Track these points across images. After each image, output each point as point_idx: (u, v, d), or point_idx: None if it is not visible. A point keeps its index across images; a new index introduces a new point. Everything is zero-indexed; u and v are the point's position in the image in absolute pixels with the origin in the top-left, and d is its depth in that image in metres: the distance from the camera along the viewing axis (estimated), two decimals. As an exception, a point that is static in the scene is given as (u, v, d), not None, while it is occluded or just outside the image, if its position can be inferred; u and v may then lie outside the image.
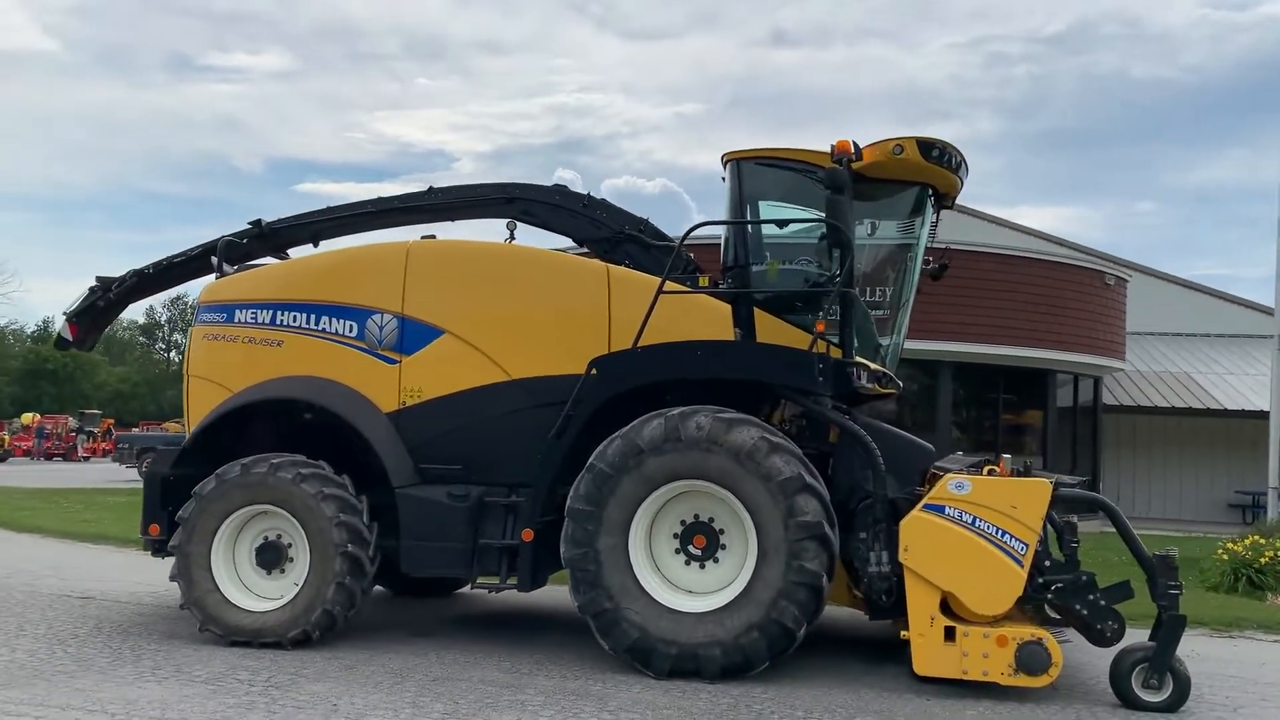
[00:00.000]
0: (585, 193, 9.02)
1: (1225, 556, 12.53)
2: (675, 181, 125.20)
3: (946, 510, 6.60)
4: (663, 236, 8.88)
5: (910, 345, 18.95)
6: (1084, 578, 6.54)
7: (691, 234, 8.22)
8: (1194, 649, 8.61)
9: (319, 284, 8.41)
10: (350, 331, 8.21)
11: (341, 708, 6.05)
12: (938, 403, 20.19)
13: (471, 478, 7.91)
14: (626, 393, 7.51)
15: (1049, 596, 6.57)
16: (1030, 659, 6.38)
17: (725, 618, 6.90)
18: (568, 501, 7.18)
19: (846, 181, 7.39)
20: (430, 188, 9.28)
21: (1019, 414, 21.81)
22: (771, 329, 7.91)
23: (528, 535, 7.51)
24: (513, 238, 8.64)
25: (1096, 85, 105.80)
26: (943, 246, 17.68)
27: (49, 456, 48.06)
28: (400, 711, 6.00)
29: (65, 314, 9.82)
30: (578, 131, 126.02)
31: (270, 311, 8.44)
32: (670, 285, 7.71)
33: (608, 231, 8.87)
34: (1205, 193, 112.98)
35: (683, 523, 7.31)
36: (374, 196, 9.46)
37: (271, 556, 7.83)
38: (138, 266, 9.73)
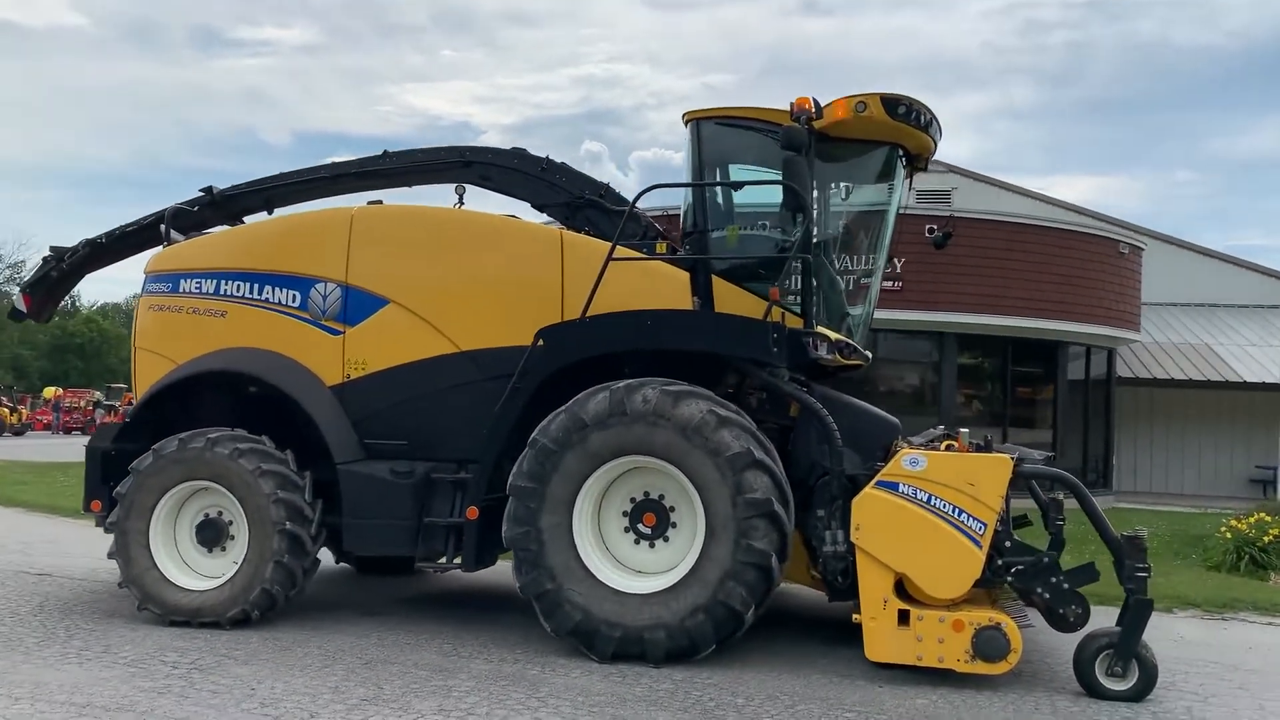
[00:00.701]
0: (544, 156, 8.64)
1: (1229, 535, 12.07)
2: None
3: (901, 487, 6.23)
4: (624, 202, 8.49)
5: (914, 316, 18.74)
6: (1045, 559, 6.16)
7: (644, 196, 7.85)
8: (1181, 632, 8.25)
9: (262, 252, 8.11)
10: (293, 302, 7.91)
11: (259, 692, 5.80)
12: (942, 376, 19.70)
13: (418, 453, 7.61)
14: (579, 365, 7.17)
15: (1009, 579, 6.19)
16: (988, 645, 6.02)
17: (671, 599, 6.59)
18: (510, 478, 6.86)
19: (805, 141, 6.97)
20: (385, 152, 8.93)
21: (1028, 387, 21.26)
22: (734, 298, 7.53)
23: (472, 513, 7.21)
24: (461, 202, 8.30)
25: (1136, 52, 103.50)
26: (947, 214, 17.26)
27: (68, 430, 48.39)
28: (319, 697, 5.73)
29: (19, 285, 9.57)
30: (605, 103, 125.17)
31: (214, 281, 8.16)
32: (622, 251, 7.36)
33: (567, 196, 8.49)
34: (1248, 161, 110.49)
35: (632, 500, 6.99)
36: (329, 161, 9.13)
37: (211, 534, 7.59)
38: (90, 236, 9.46)
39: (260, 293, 8.00)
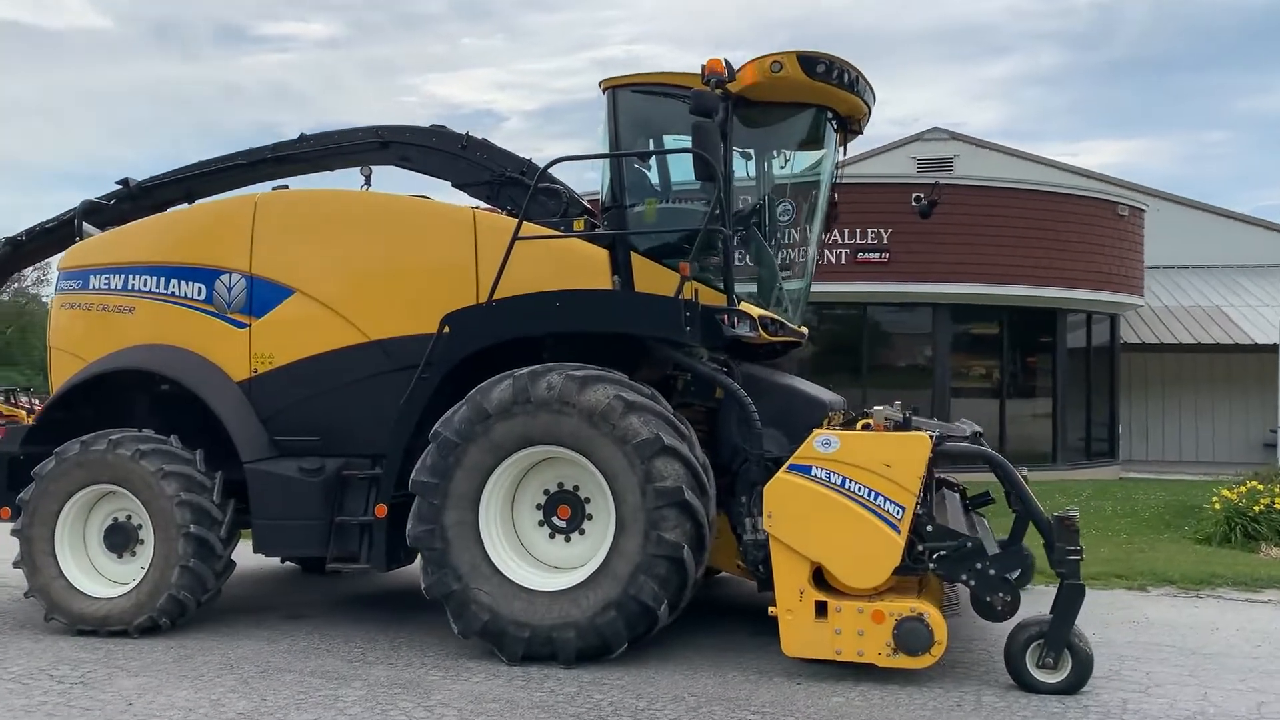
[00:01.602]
0: (463, 132, 8.26)
1: (1218, 505, 11.57)
2: None
3: (813, 471, 5.81)
4: (550, 179, 8.09)
5: (904, 288, 18.22)
6: (969, 544, 5.73)
7: (550, 170, 7.44)
8: (1148, 613, 7.83)
9: (168, 244, 7.78)
10: (199, 295, 7.59)
11: (135, 707, 5.51)
12: (936, 349, 19.19)
13: (331, 449, 7.28)
14: (496, 352, 6.80)
15: (931, 566, 5.77)
16: (909, 637, 5.62)
17: (581, 596, 6.23)
18: (413, 474, 6.52)
19: (716, 105, 6.55)
20: (302, 134, 8.57)
21: (1025, 357, 20.73)
22: (656, 276, 7.11)
23: (381, 511, 6.87)
24: (368, 184, 7.94)
25: (1165, 10, 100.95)
26: (932, 181, 16.76)
27: None
28: (194, 711, 5.43)
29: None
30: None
31: (122, 276, 7.85)
32: (532, 230, 6.98)
33: (488, 174, 8.10)
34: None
35: (546, 492, 6.64)
36: (246, 148, 8.77)
37: (120, 539, 7.30)
38: (11, 234, 9.19)
39: (167, 286, 7.68)
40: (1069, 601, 5.57)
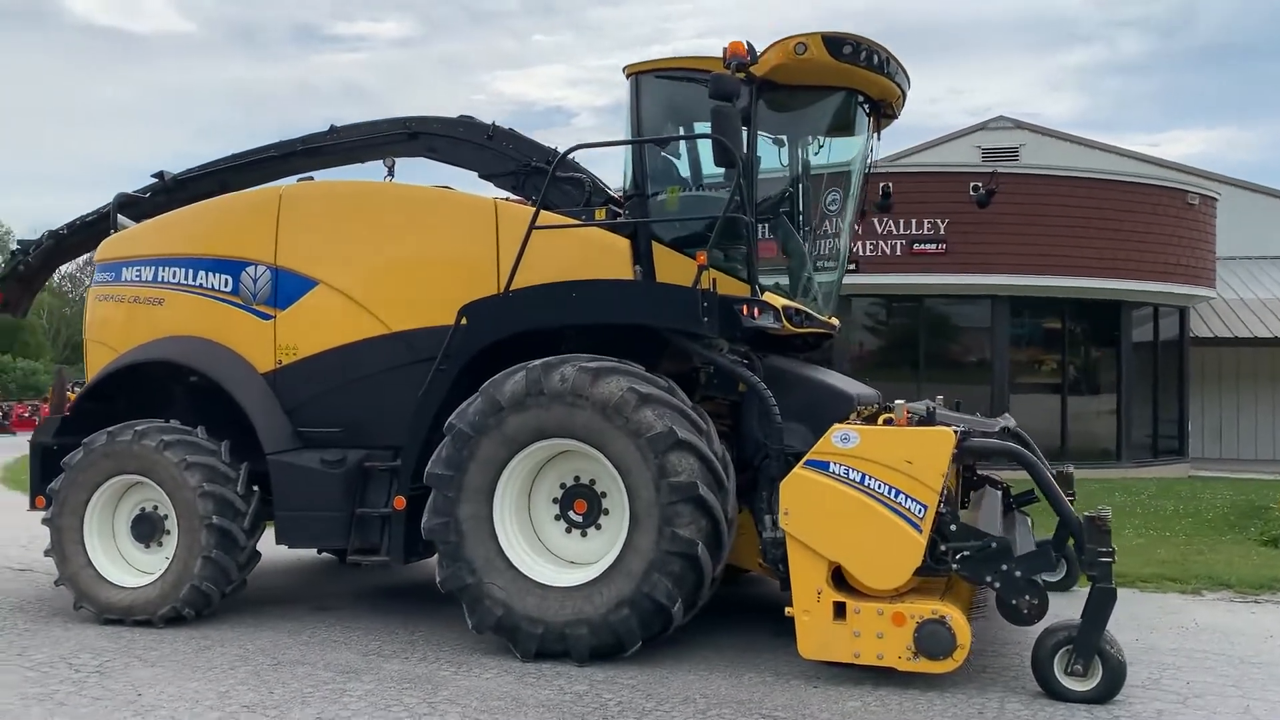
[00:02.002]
0: (490, 122, 8.17)
1: (1285, 505, 11.06)
2: None
3: (831, 467, 5.60)
4: (574, 167, 7.96)
5: (961, 280, 17.72)
6: (994, 544, 5.47)
7: (568, 157, 7.33)
8: (1198, 618, 7.46)
9: (196, 236, 7.82)
10: (226, 286, 7.61)
11: (144, 698, 5.50)
12: (995, 342, 18.66)
13: (353, 441, 7.25)
14: (516, 343, 6.70)
15: (954, 567, 5.52)
16: (930, 640, 5.38)
17: (595, 593, 6.09)
18: (428, 467, 6.44)
19: (736, 89, 6.36)
20: (332, 126, 8.56)
21: (1088, 352, 20.08)
22: (681, 266, 6.92)
23: (400, 503, 6.82)
24: (391, 175, 7.88)
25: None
26: (990, 170, 16.33)
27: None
28: (200, 703, 5.41)
29: (-4, 279, 9.50)
30: None
31: (152, 268, 7.91)
32: (550, 219, 6.86)
33: (514, 165, 8.00)
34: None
35: (562, 486, 6.52)
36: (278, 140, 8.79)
37: (147, 529, 7.35)
38: (54, 227, 9.32)
39: (195, 278, 7.72)
40: (1100, 605, 5.28)
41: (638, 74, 7.25)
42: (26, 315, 10.52)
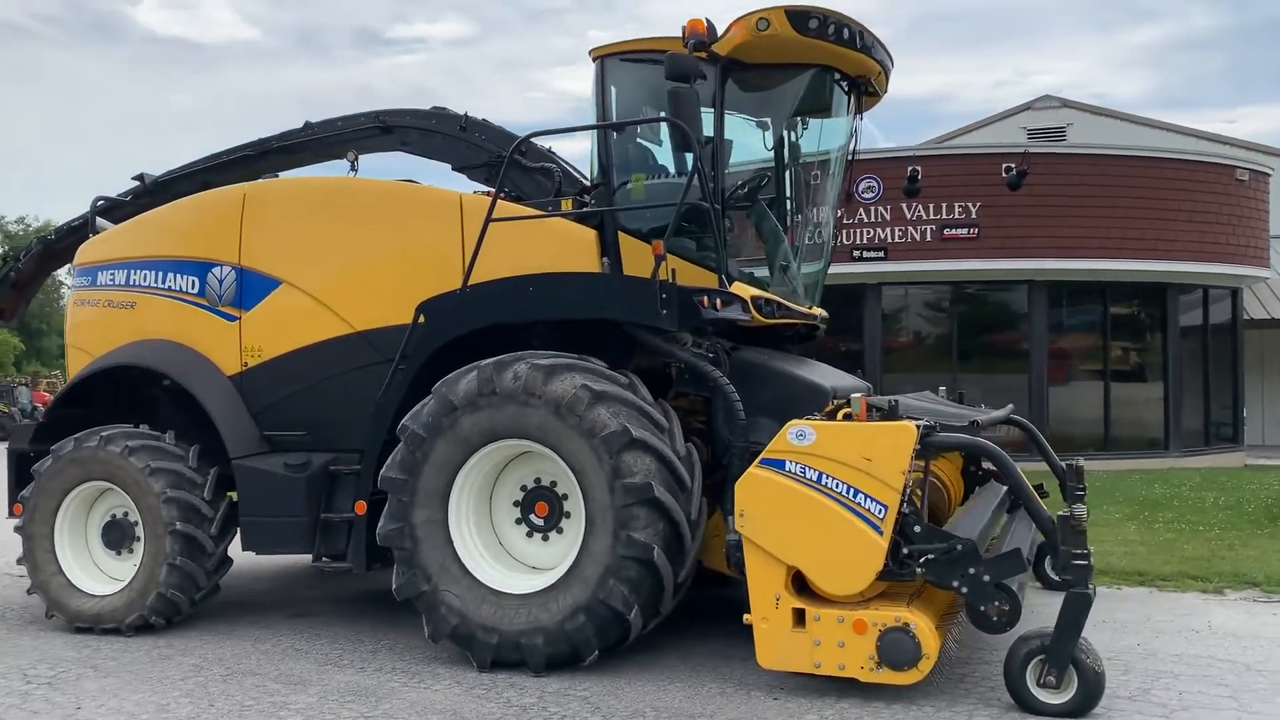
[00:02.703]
0: (462, 113, 7.93)
1: (1329, 496, 10.42)
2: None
3: (787, 466, 5.27)
4: (545, 157, 7.70)
5: (994, 265, 17.13)
6: (959, 546, 5.09)
7: (538, 146, 7.07)
8: (1213, 619, 6.99)
9: (165, 238, 7.70)
10: (193, 288, 7.47)
11: (84, 711, 5.38)
12: (1032, 329, 18.02)
13: (319, 444, 7.07)
14: (479, 340, 6.45)
15: (919, 571, 5.15)
16: (893, 649, 5.03)
17: (551, 600, 5.83)
18: (382, 470, 6.23)
19: (694, 69, 6.04)
20: (306, 123, 8.39)
21: (1132, 337, 19.33)
22: (648, 256, 6.64)
23: (360, 508, 6.61)
24: (354, 170, 7.68)
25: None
26: (1021, 150, 15.77)
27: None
28: (137, 716, 5.26)
29: (-9, 285, 9.50)
30: None
31: (125, 271, 7.81)
32: (508, 210, 6.61)
33: (488, 156, 7.75)
34: None
35: (523, 488, 6.27)
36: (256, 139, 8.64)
37: (117, 536, 7.26)
38: (42, 233, 9.29)
39: (165, 280, 7.60)
40: (1074, 612, 4.89)
41: (603, 57, 6.96)
42: (21, 320, 10.54)
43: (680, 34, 6.30)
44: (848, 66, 6.80)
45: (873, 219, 17.10)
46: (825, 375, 6.95)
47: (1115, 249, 17.42)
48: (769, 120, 7.28)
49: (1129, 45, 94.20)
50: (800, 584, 5.37)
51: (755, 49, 6.37)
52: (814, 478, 5.21)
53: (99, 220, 8.50)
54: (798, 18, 6.22)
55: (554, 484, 6.18)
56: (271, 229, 7.27)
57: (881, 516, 5.09)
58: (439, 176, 8.25)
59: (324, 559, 6.85)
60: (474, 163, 7.86)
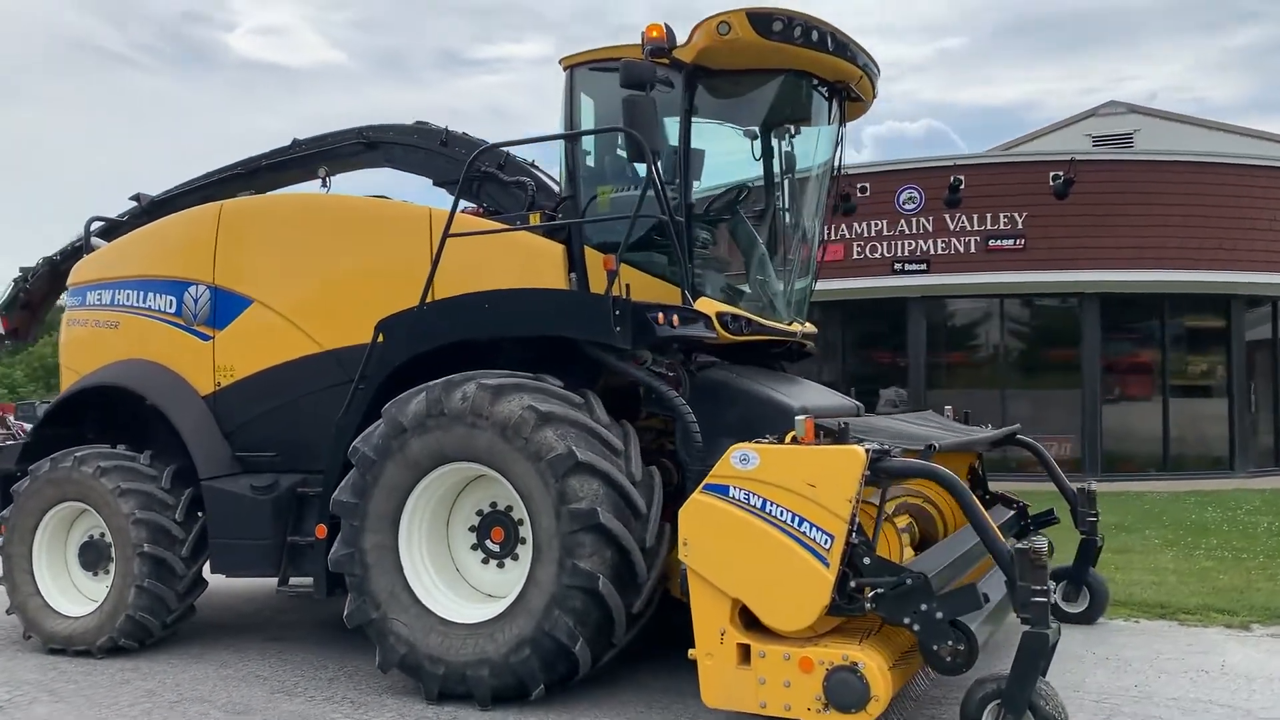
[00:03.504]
0: (443, 127, 7.79)
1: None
2: (942, 120, 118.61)
3: (731, 492, 4.96)
4: (523, 170, 7.51)
5: (1043, 278, 16.51)
6: (909, 580, 4.72)
7: (515, 158, 6.88)
8: (1227, 659, 6.50)
9: (145, 257, 7.69)
10: (170, 308, 7.44)
11: (18, 740, 5.29)
12: (1083, 344, 17.30)
13: (290, 465, 6.96)
14: (447, 356, 6.27)
15: (868, 606, 4.80)
16: (840, 690, 4.68)
17: (498, 630, 5.59)
18: (334, 494, 6.07)
19: (650, 77, 5.80)
20: (294, 140, 8.35)
21: (1194, 351, 18.43)
22: (624, 275, 6.37)
23: (321, 531, 6.45)
24: (326, 187, 7.58)
25: None
26: (1067, 158, 15.18)
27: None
28: (67, 747, 5.16)
29: (-1, 307, 9.65)
30: None
31: (110, 291, 7.83)
32: (468, 225, 6.44)
33: (467, 171, 7.58)
34: None
35: (479, 513, 6.06)
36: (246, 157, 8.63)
37: (93, 557, 7.24)
38: (48, 254, 9.40)
39: (145, 300, 7.59)
40: (1032, 654, 4.49)
41: (572, 66, 6.76)
42: (37, 340, 10.68)
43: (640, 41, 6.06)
44: (823, 71, 6.49)
45: (914, 230, 16.61)
46: (803, 395, 6.61)
47: (1174, 259, 16.66)
48: (755, 129, 7.00)
49: (1227, 48, 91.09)
50: (749, 618, 5.05)
51: (719, 54, 6.11)
52: (758, 505, 4.89)
53: (94, 240, 8.54)
54: (760, 20, 5.93)
55: (509, 509, 5.95)
56: (243, 247, 7.20)
57: (827, 547, 4.76)
58: (422, 193, 8.09)
59: (290, 582, 6.73)
60: (452, 177, 7.70)
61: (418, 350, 6.24)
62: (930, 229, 16.45)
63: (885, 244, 16.75)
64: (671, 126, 6.32)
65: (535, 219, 6.82)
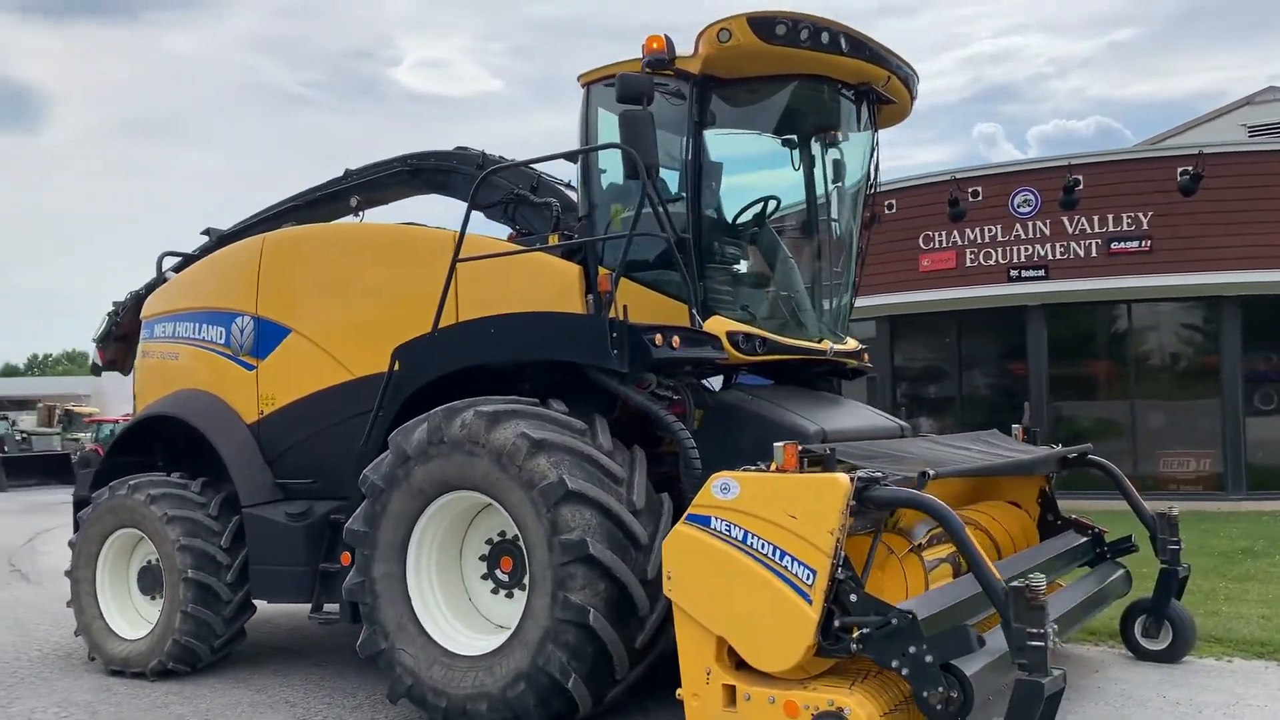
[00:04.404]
0: (479, 151, 7.76)
1: None
2: (1112, 117, 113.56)
3: (713, 523, 4.70)
4: (552, 191, 7.40)
5: (1172, 281, 15.35)
6: (894, 620, 4.34)
7: (544, 179, 6.79)
8: (1255, 701, 5.76)
9: (200, 290, 7.95)
10: (220, 338, 7.65)
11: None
12: (1222, 351, 15.99)
13: (326, 492, 7.01)
14: (467, 380, 6.21)
15: (855, 647, 4.44)
16: (825, 738, 4.36)
17: (496, 664, 5.46)
18: (348, 523, 6.07)
19: (647, 90, 5.61)
20: (346, 170, 8.46)
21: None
22: (631, 295, 6.18)
23: (345, 559, 6.46)
24: (358, 216, 7.63)
25: None
26: (1195, 152, 14.16)
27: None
28: (77, 772, 5.28)
29: (93, 340, 10.14)
30: (996, 79, 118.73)
31: (172, 324, 8.12)
32: (486, 247, 6.37)
33: (500, 194, 7.55)
34: None
35: (488, 542, 5.96)
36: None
37: (149, 581, 7.47)
38: (136, 289, 9.82)
39: (200, 332, 7.82)
40: (1026, 704, 4.08)
41: (590, 83, 6.61)
42: (130, 372, 11.17)
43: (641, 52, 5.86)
44: (842, 74, 6.15)
45: (1030, 235, 15.74)
46: (837, 417, 6.25)
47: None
48: (792, 137, 6.69)
49: None
50: (739, 657, 4.77)
51: (725, 62, 5.86)
52: (739, 537, 4.62)
53: (166, 274, 8.87)
54: (762, 25, 5.65)
55: (517, 538, 5.81)
56: (282, 278, 7.34)
57: (810, 582, 4.44)
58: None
59: (323, 609, 6.78)
60: (490, 201, 7.66)
61: (428, 377, 6.20)
62: (1048, 232, 15.55)
63: (1000, 250, 15.94)
64: (683, 140, 6.09)
65: (554, 239, 6.70)
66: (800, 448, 4.64)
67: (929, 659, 4.27)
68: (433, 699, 5.58)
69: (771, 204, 6.57)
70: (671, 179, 6.41)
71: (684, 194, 6.04)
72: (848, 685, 4.55)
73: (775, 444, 4.65)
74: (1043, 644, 4.09)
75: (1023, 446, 7.14)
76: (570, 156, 6.48)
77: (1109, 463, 7.06)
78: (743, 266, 6.44)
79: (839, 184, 6.63)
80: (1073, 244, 15.57)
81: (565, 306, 6.19)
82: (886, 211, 16.86)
